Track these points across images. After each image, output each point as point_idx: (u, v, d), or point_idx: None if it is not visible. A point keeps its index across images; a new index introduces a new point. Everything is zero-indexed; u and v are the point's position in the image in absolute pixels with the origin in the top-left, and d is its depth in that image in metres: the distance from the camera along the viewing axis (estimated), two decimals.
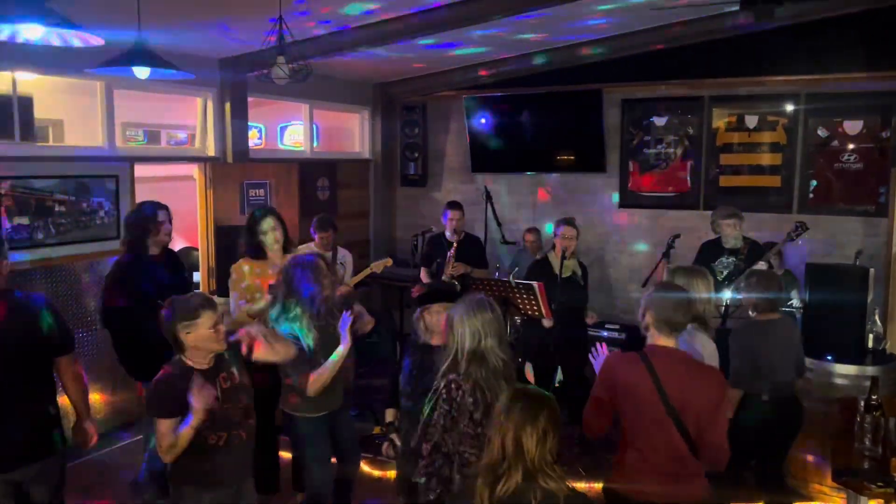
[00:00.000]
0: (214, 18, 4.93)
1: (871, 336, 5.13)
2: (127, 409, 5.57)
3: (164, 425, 2.91)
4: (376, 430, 5.26)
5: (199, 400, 2.85)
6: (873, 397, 3.08)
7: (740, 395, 3.79)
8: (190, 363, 3.01)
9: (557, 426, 2.22)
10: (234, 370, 3.16)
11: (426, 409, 3.00)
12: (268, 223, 4.41)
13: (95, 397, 5.25)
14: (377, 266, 5.57)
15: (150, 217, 4.40)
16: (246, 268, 4.41)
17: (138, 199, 5.73)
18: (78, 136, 5.45)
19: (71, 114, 5.46)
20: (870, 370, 4.68)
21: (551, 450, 2.19)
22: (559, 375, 5.44)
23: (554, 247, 5.57)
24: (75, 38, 3.16)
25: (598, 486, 3.19)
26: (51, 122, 5.58)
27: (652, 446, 2.80)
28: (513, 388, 2.44)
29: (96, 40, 3.17)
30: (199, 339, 2.98)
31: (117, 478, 4.84)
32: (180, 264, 4.78)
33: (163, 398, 2.94)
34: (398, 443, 3.43)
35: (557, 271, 5.36)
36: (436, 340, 3.36)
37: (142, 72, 3.97)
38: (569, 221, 5.56)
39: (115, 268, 4.42)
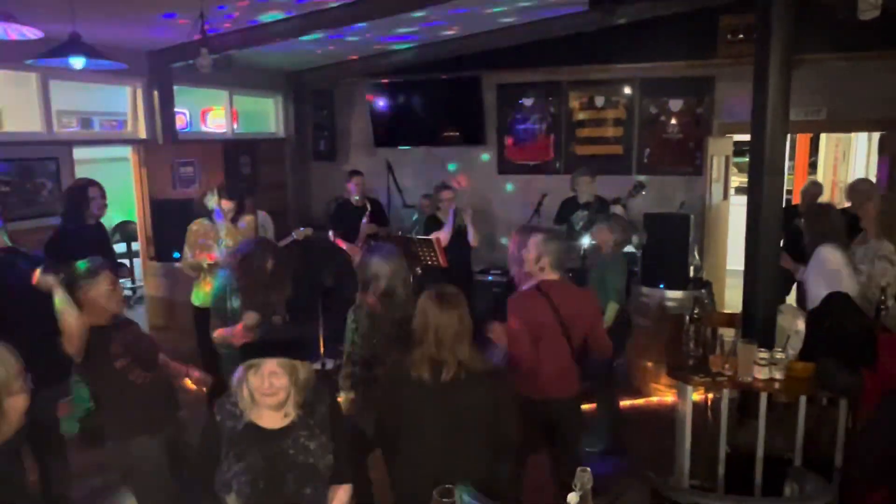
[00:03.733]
0: (142, 13, 4.65)
1: (692, 268, 5.55)
2: None
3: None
4: None
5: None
6: (695, 311, 3.36)
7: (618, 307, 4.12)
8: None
9: (467, 315, 2.30)
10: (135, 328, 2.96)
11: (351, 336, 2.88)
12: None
13: None
14: (298, 234, 5.30)
15: (82, 191, 4.24)
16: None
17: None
18: (18, 123, 5.03)
19: (9, 103, 5.02)
20: (692, 293, 5.09)
21: (469, 331, 2.27)
22: None
23: (439, 208, 5.61)
24: (16, 31, 2.95)
25: None
26: None
27: (546, 358, 3.02)
28: (429, 291, 2.38)
29: (36, 33, 2.97)
30: (98, 296, 2.79)
31: None
32: (105, 236, 4.66)
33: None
34: None
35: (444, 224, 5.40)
36: (274, 419, 1.99)
37: (77, 62, 3.73)
38: (445, 185, 5.65)
39: (52, 233, 4.32)
